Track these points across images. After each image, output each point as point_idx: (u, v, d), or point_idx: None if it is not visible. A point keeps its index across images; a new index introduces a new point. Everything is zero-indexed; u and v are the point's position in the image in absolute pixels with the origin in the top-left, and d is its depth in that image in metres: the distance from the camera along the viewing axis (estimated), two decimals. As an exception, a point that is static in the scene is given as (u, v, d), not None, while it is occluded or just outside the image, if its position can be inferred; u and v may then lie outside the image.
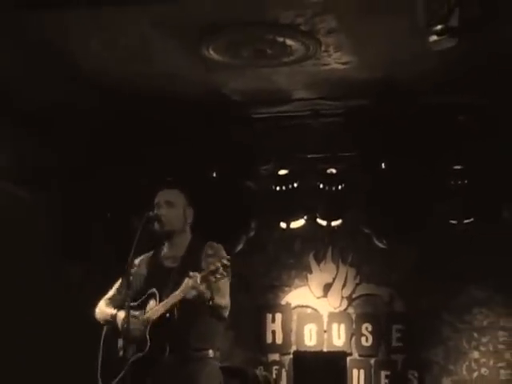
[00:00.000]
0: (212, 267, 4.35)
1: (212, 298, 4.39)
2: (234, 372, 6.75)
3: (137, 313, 4.50)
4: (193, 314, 4.47)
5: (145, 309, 4.56)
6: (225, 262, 4.38)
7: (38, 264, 6.50)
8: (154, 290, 4.59)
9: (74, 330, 6.61)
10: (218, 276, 4.34)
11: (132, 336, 4.38)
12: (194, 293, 4.34)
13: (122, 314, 4.51)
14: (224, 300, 4.56)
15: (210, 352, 4.57)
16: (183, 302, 4.40)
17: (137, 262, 4.75)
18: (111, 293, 4.82)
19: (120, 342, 4.51)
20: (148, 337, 4.44)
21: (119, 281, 4.80)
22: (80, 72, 5.83)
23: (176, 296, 4.42)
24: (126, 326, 4.34)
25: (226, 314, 4.60)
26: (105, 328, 4.75)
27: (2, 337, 5.98)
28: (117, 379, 4.47)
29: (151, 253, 4.84)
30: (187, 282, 4.35)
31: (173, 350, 4.45)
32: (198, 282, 4.31)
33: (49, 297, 6.48)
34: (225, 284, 4.58)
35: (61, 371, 6.45)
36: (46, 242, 6.67)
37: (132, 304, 4.46)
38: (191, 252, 4.68)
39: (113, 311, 4.66)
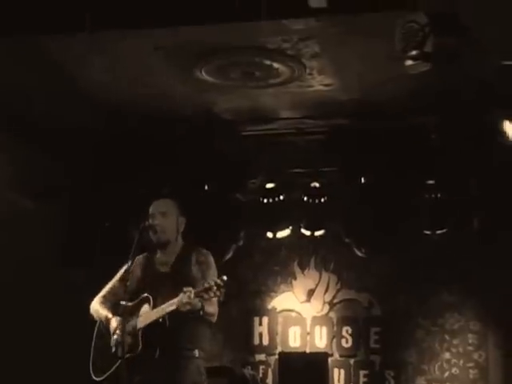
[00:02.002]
0: (206, 285, 4.24)
1: (203, 308, 4.34)
2: (224, 371, 6.72)
3: (130, 322, 4.40)
4: (184, 320, 4.39)
5: (138, 313, 4.47)
6: (219, 281, 4.25)
7: (43, 270, 6.44)
8: (146, 295, 4.48)
9: (76, 332, 6.55)
10: (212, 294, 4.23)
11: (125, 341, 4.28)
12: (187, 307, 4.25)
13: (114, 323, 4.45)
14: (213, 308, 4.50)
15: (196, 352, 4.50)
16: (175, 311, 4.31)
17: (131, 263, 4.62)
18: (105, 291, 4.69)
19: (113, 340, 4.42)
20: (140, 341, 4.37)
21: (113, 280, 4.69)
22: (84, 93, 5.81)
23: (170, 305, 4.32)
24: (118, 333, 4.30)
25: (215, 319, 4.56)
26: (98, 322, 4.66)
27: (7, 340, 5.89)
28: (106, 374, 4.43)
29: (145, 255, 4.72)
30: (182, 297, 4.23)
31: (163, 351, 4.39)
32: (192, 297, 4.21)
33: (52, 301, 6.41)
34: None
35: (63, 373, 6.36)
36: (51, 249, 6.61)
37: (126, 303, 4.35)
38: (182, 258, 4.61)
39: (108, 314, 4.56)
